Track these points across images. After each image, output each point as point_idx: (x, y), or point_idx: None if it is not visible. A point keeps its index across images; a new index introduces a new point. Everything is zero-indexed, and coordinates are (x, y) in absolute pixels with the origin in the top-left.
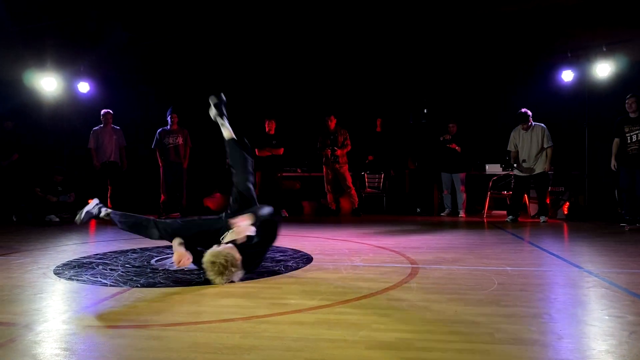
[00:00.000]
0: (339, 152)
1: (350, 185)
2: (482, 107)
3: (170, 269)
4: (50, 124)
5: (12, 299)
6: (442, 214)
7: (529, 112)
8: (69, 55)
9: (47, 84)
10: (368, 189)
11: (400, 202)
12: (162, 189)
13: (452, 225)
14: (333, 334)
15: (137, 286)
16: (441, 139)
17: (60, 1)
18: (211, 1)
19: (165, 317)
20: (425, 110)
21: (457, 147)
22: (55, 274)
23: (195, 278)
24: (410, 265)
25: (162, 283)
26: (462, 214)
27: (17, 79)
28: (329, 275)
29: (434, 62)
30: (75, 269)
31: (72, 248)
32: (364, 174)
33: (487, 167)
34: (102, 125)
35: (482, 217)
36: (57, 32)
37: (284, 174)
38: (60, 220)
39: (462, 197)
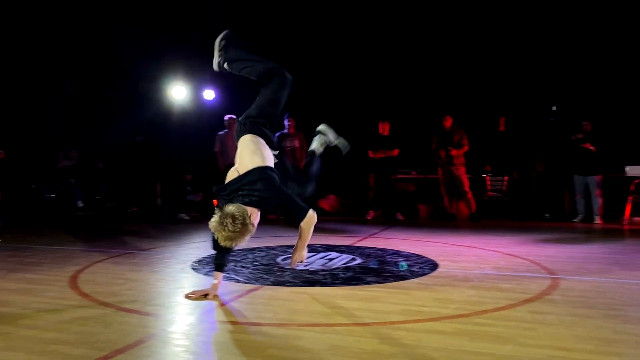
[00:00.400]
0: (453, 152)
1: (467, 189)
2: (620, 102)
3: (296, 268)
4: (179, 129)
5: (157, 292)
6: (574, 220)
7: None
8: (196, 65)
9: (178, 92)
10: (490, 192)
11: (526, 206)
12: None
13: (588, 232)
14: (477, 347)
15: (268, 284)
16: (573, 138)
17: (187, 15)
18: (326, 8)
19: (299, 317)
20: (554, 108)
21: (591, 147)
22: (192, 269)
23: (321, 278)
24: (549, 276)
25: (290, 282)
26: (597, 220)
27: (154, 90)
28: (459, 283)
29: (562, 54)
30: (209, 265)
31: (204, 245)
32: (484, 177)
33: (627, 168)
34: (226, 130)
35: (621, 225)
36: (187, 44)
37: (398, 176)
38: (190, 218)
39: (597, 201)
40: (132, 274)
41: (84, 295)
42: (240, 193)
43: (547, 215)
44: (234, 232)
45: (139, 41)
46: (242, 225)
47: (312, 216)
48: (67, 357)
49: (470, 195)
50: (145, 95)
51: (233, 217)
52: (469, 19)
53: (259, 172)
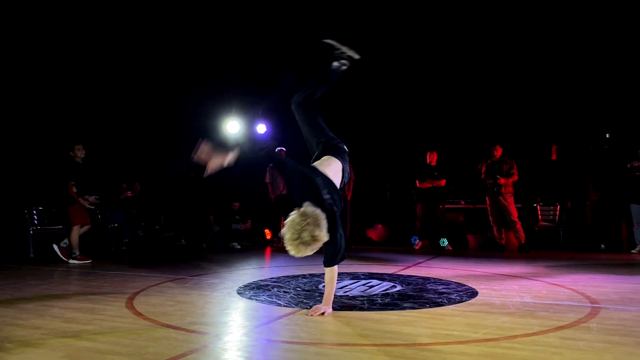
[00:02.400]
0: (501, 180)
1: (515, 219)
2: None
3: (337, 294)
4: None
5: (204, 313)
6: (632, 252)
7: None
8: (250, 101)
9: (232, 127)
10: (541, 222)
11: (580, 237)
12: None
13: None
14: None
15: (307, 307)
16: (629, 166)
17: (243, 53)
18: (369, 37)
19: (332, 338)
20: (607, 135)
21: None
22: (238, 293)
23: (359, 304)
24: (590, 305)
25: None
26: None
27: (212, 125)
28: (495, 310)
29: (615, 80)
30: (254, 290)
31: (251, 272)
32: (536, 206)
33: None
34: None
35: None
36: (242, 82)
37: (447, 206)
38: (242, 247)
39: None
40: (183, 296)
41: (138, 314)
42: (328, 197)
43: (602, 246)
44: (311, 236)
45: (198, 80)
46: (319, 233)
47: (334, 270)
48: None
49: (519, 225)
50: (203, 130)
51: (317, 219)
52: (519, 44)
53: (340, 195)
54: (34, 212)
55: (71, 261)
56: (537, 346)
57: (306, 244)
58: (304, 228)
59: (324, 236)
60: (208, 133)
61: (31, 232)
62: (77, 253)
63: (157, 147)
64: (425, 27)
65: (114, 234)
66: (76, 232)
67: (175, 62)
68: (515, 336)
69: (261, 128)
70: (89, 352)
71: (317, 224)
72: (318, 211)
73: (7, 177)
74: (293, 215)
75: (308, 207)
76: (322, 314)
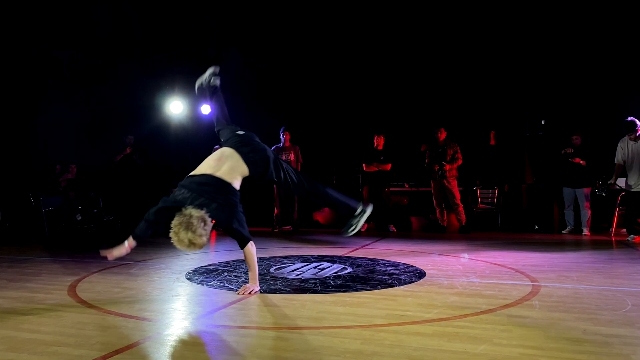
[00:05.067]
0: (447, 166)
1: (458, 202)
2: (608, 115)
3: (289, 277)
4: (176, 143)
5: (153, 299)
6: (563, 232)
7: (638, 121)
8: (193, 80)
9: (175, 107)
10: (480, 205)
11: (516, 219)
12: (275, 203)
13: (576, 243)
14: (454, 346)
15: (260, 292)
16: (563, 152)
17: (186, 31)
18: (320, 22)
19: (288, 321)
20: (543, 122)
21: (582, 162)
22: (187, 278)
23: (312, 286)
24: (531, 283)
25: (282, 290)
26: (586, 231)
27: (152, 105)
28: (444, 290)
29: (551, 68)
30: (204, 274)
31: (198, 256)
32: (476, 189)
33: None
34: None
35: (609, 236)
36: (184, 60)
37: (391, 189)
38: None
39: (586, 213)
40: (129, 282)
41: (82, 302)
42: (206, 198)
43: (537, 227)
44: (199, 236)
45: (138, 58)
46: (205, 233)
47: (249, 250)
48: (68, 357)
49: (461, 207)
50: (143, 110)
51: (205, 221)
52: (459, 32)
53: (230, 189)
54: None
55: None
56: (487, 324)
57: (195, 244)
58: (180, 230)
59: (200, 240)
60: (149, 112)
61: None
62: None
63: (94, 127)
64: (372, 9)
65: (48, 218)
66: None
67: (111, 37)
68: (466, 315)
69: (205, 109)
70: (33, 343)
71: (189, 227)
72: (195, 213)
73: None
74: (177, 219)
75: (188, 210)
76: (250, 292)
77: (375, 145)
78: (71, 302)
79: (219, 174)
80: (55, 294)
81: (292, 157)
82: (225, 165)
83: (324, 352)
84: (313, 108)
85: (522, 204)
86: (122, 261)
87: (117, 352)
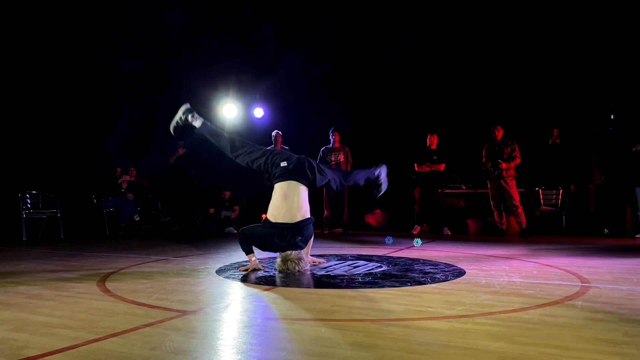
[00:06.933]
0: (503, 165)
1: (517, 203)
2: None
3: (317, 273)
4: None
5: (174, 290)
6: (637, 236)
7: None
8: (247, 85)
9: (229, 110)
10: (543, 207)
11: (583, 221)
12: (325, 204)
13: None
14: (465, 342)
15: (281, 286)
16: (634, 149)
17: (247, 40)
18: (371, 20)
19: (295, 313)
20: (612, 116)
21: None
22: (217, 272)
23: (337, 282)
24: (580, 284)
25: (304, 284)
26: None
27: (207, 109)
28: (478, 289)
29: (621, 57)
30: (234, 270)
31: (237, 254)
32: (538, 190)
33: None
34: (272, 145)
35: None
36: (238, 66)
37: (446, 191)
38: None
39: None
40: (159, 275)
41: (106, 291)
42: (300, 239)
43: (606, 231)
44: (293, 269)
45: (195, 65)
46: (299, 267)
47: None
48: (64, 339)
49: (520, 209)
50: (206, 113)
51: (299, 260)
52: (521, 27)
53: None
54: (27, 196)
55: None
56: (513, 322)
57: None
58: (290, 268)
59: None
60: (204, 116)
61: (24, 216)
62: None
63: (151, 131)
64: (429, 8)
65: (109, 219)
66: None
67: (173, 45)
68: (492, 313)
69: (258, 112)
70: (39, 325)
71: (300, 263)
72: (297, 254)
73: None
74: (280, 260)
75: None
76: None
77: (428, 144)
78: (96, 291)
79: (300, 216)
80: (85, 284)
81: (341, 158)
82: (297, 202)
83: (320, 343)
84: (363, 107)
85: (589, 205)
86: (162, 257)
87: (113, 335)
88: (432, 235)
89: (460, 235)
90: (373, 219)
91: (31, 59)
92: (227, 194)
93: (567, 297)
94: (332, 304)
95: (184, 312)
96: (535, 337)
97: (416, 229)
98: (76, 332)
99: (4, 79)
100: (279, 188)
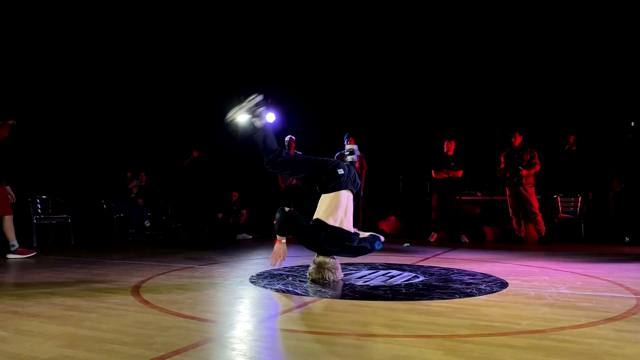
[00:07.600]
0: (523, 172)
1: (537, 211)
2: None
3: (356, 283)
4: (243, 150)
5: (216, 301)
6: None
7: None
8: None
9: (242, 117)
10: (562, 214)
11: (602, 229)
12: None
13: None
14: None
15: (326, 297)
16: None
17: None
18: (384, 23)
19: (358, 328)
20: (632, 123)
21: None
22: (251, 282)
23: (382, 293)
24: (634, 296)
25: (349, 295)
26: None
27: (218, 111)
28: (531, 301)
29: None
30: (267, 279)
31: (262, 261)
32: (556, 197)
33: None
34: (286, 150)
35: None
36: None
37: (463, 197)
38: (253, 237)
39: None
40: (193, 285)
41: (145, 302)
42: (337, 243)
43: (627, 239)
44: (329, 279)
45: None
46: (334, 277)
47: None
48: (125, 356)
49: (539, 217)
50: (207, 117)
51: (336, 270)
52: (538, 33)
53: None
54: (37, 200)
55: (10, 256)
56: (591, 339)
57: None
58: (324, 277)
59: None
60: (213, 119)
61: (34, 221)
62: (17, 245)
63: (161, 135)
64: (443, 12)
65: (119, 224)
66: (9, 222)
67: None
68: (563, 327)
69: (270, 117)
70: (92, 341)
71: (334, 271)
72: (331, 261)
73: (11, 165)
74: (313, 268)
75: (325, 260)
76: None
77: (445, 150)
78: (133, 302)
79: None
80: (119, 294)
81: (356, 163)
82: (349, 211)
83: None
84: (379, 112)
85: (609, 213)
86: (186, 265)
87: (176, 352)
88: (450, 243)
89: (478, 243)
90: (387, 225)
91: (40, 63)
92: (235, 195)
93: (629, 310)
94: (390, 318)
95: (234, 326)
96: (626, 357)
97: (433, 237)
98: (135, 349)
99: (15, 85)
100: (335, 196)
